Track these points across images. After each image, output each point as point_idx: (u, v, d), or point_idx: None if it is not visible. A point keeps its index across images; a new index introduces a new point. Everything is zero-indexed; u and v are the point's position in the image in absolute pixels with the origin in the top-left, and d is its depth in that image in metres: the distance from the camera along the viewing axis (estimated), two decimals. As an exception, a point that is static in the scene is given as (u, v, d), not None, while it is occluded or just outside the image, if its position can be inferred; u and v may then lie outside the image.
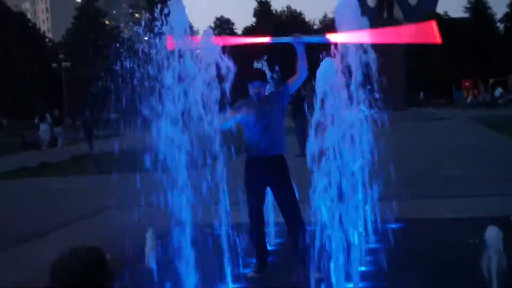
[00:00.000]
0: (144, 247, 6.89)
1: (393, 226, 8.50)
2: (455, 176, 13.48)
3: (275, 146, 6.44)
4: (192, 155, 5.83)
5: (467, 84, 66.93)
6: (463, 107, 53.05)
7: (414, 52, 73.12)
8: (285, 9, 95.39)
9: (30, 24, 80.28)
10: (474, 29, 78.18)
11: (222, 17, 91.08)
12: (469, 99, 60.57)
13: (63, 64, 58.56)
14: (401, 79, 42.08)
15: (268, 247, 7.09)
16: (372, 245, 7.50)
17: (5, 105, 66.79)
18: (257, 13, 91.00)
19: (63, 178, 17.38)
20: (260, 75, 6.55)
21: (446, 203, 10.39)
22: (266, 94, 6.62)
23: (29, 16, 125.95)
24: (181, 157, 5.68)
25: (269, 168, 6.39)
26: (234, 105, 6.65)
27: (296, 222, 6.25)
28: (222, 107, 6.26)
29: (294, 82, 6.57)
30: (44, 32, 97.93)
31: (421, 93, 68.82)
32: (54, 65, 59.76)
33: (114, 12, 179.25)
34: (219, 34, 70.56)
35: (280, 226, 7.32)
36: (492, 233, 5.46)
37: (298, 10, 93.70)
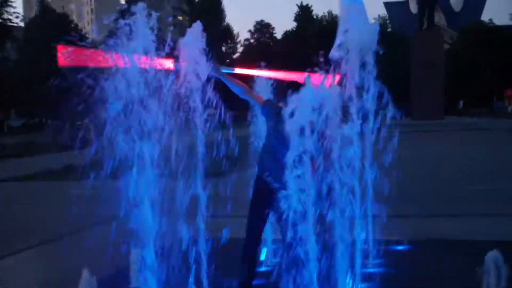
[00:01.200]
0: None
1: (399, 247, 8.16)
2: (476, 193, 12.94)
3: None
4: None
5: (509, 93, 65.66)
6: (502, 117, 51.96)
7: (453, 60, 71.99)
8: (326, 14, 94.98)
9: (72, 25, 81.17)
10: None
11: (262, 21, 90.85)
12: (510, 108, 59.43)
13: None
14: (438, 87, 41.37)
15: (262, 268, 6.81)
16: (371, 269, 7.17)
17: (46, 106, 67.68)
18: (298, 18, 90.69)
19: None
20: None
21: (463, 223, 9.90)
22: None
23: (74, 17, 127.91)
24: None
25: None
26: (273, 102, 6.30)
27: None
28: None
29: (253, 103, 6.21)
30: (86, 33, 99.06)
31: (460, 102, 67.74)
32: (93, 66, 60.45)
33: (158, 14, 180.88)
34: (259, 38, 70.33)
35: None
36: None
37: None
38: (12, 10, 53.92)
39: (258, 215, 6.18)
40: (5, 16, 55.98)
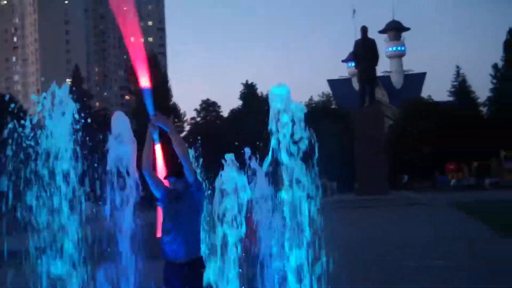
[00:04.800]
0: None
1: None
2: (418, 269, 13.00)
3: (184, 250, 5.99)
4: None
5: (451, 167, 67.17)
6: (446, 190, 53.00)
7: (396, 135, 73.68)
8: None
9: (17, 106, 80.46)
10: (458, 112, 78.99)
11: (208, 99, 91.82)
12: (453, 182, 60.72)
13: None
14: (381, 163, 42.04)
15: None
16: None
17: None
18: (243, 96, 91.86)
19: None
20: (174, 171, 6.21)
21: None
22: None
23: (20, 97, 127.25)
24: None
25: (184, 279, 5.92)
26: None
27: None
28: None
29: (185, 168, 6.13)
30: (31, 114, 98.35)
31: (405, 176, 68.96)
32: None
33: (105, 94, 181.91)
34: (205, 116, 70.90)
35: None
36: None
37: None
38: None
39: None
40: None
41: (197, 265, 5.91)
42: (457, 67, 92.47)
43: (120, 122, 6.58)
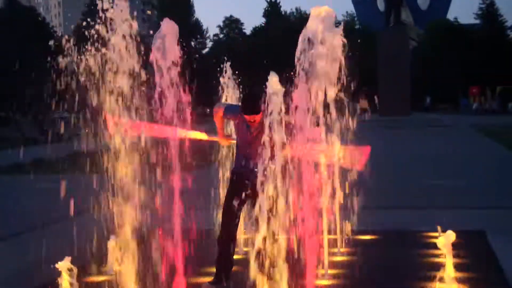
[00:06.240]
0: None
1: (365, 237, 8.57)
2: (436, 186, 13.43)
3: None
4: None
5: (474, 90, 66.74)
6: (468, 114, 52.99)
7: (420, 57, 73.02)
8: (294, 10, 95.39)
9: (40, 18, 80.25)
10: (484, 35, 77.78)
11: (231, 16, 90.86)
12: (475, 106, 60.52)
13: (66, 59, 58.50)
14: (405, 84, 41.98)
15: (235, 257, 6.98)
16: (336, 258, 7.53)
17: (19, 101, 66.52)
18: (266, 14, 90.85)
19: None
20: (256, 108, 6.12)
21: (421, 215, 10.37)
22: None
23: (41, 10, 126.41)
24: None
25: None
26: (231, 106, 6.72)
27: None
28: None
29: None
30: (53, 26, 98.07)
31: (428, 98, 68.61)
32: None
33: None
34: (227, 33, 69.89)
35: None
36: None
37: (308, 12, 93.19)
38: None
39: (233, 206, 6.31)
40: None
41: None
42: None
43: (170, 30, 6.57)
